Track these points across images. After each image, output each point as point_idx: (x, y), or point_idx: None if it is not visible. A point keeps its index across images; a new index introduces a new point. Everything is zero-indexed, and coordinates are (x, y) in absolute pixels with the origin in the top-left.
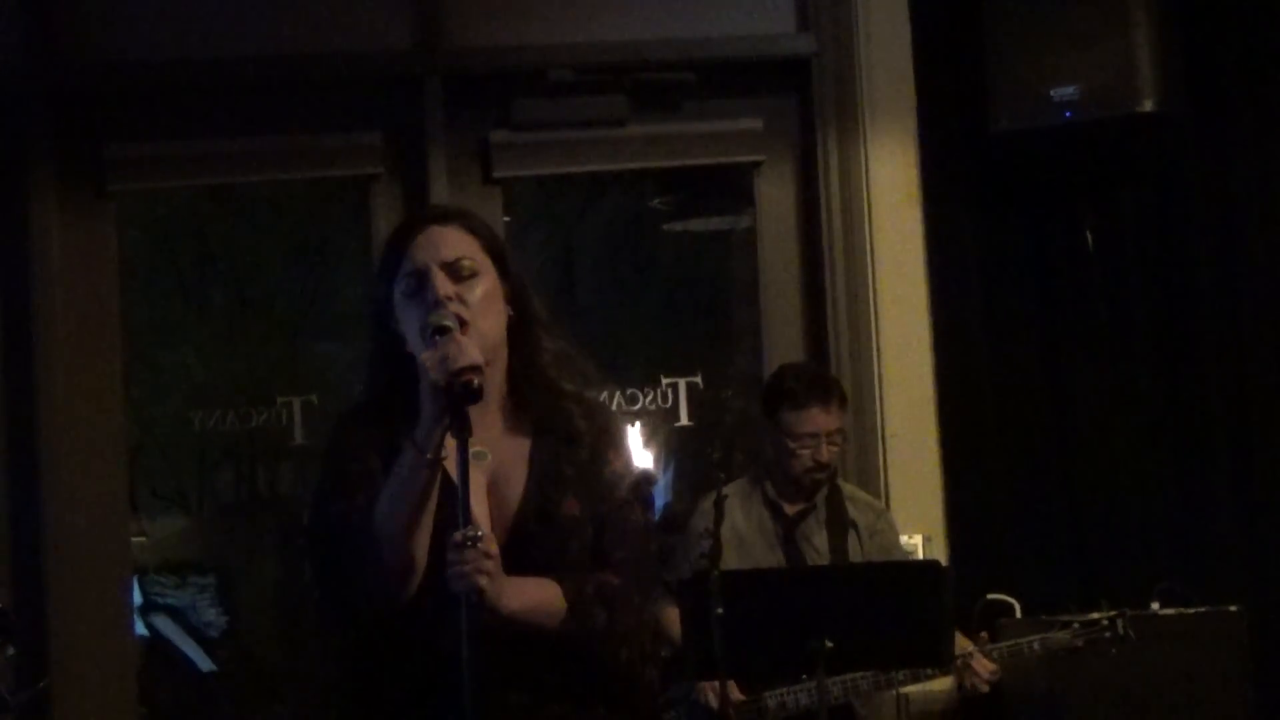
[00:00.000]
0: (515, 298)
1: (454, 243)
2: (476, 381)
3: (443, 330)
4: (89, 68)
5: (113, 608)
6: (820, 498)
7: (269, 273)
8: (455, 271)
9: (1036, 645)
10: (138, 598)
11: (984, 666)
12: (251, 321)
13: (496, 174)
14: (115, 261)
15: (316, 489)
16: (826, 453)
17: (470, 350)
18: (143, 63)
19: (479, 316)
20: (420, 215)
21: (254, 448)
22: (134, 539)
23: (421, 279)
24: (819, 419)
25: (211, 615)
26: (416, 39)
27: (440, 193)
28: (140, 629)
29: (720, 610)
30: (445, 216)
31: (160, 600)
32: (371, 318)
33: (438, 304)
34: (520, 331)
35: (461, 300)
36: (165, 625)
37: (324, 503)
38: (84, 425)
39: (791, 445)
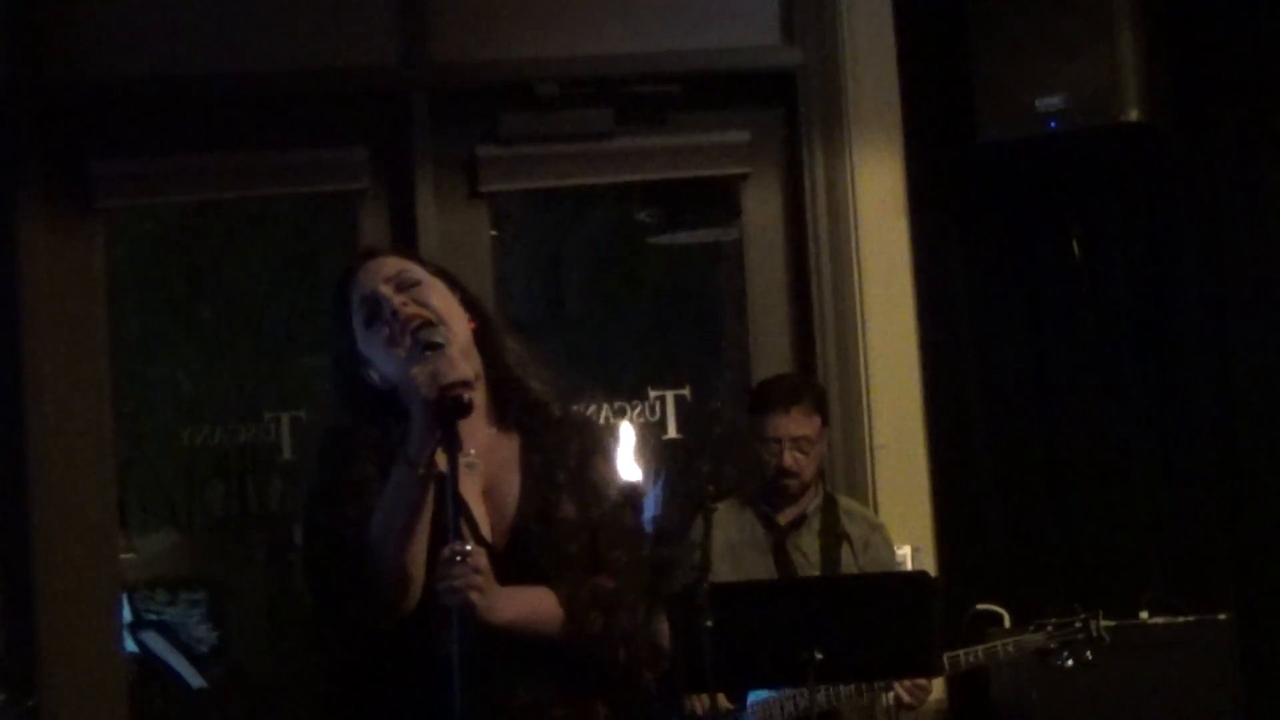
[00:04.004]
0: (472, 308)
1: (392, 264)
2: (467, 396)
3: (433, 346)
4: (76, 84)
5: (102, 624)
6: (814, 508)
7: (257, 288)
8: (400, 283)
9: (1011, 647)
10: (127, 614)
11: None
12: (239, 337)
13: (483, 188)
14: (103, 277)
15: (308, 502)
16: (790, 458)
17: (460, 365)
18: (129, 79)
19: (444, 317)
20: (353, 259)
21: (243, 463)
22: (123, 555)
23: (373, 302)
24: (781, 424)
25: (202, 631)
26: (402, 54)
27: (427, 208)
28: (130, 645)
29: (709, 622)
30: (376, 251)
31: (150, 616)
32: (338, 370)
33: (394, 314)
34: (486, 339)
35: (418, 303)
36: (155, 642)
37: (316, 516)
38: (73, 441)
39: (759, 451)
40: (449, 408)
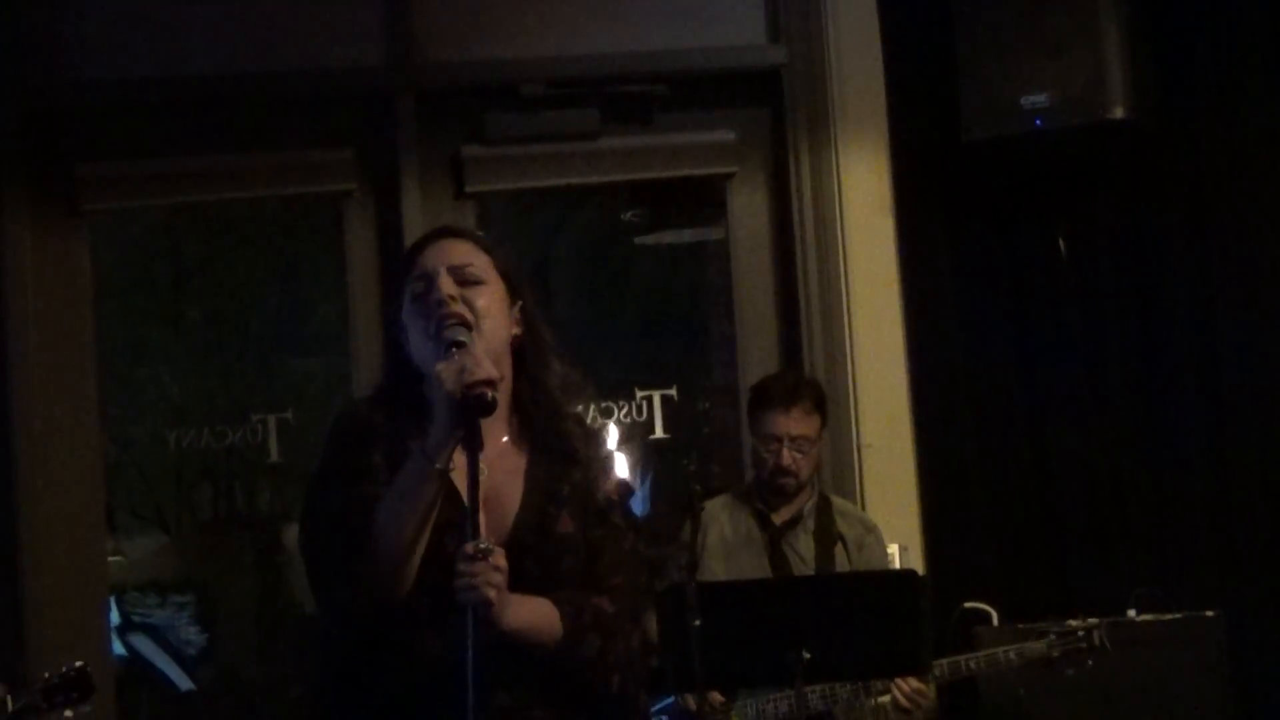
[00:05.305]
0: (525, 318)
1: (463, 252)
2: (490, 395)
3: (458, 344)
4: (60, 87)
5: (90, 628)
6: (809, 508)
7: (243, 290)
8: (461, 276)
9: (1013, 655)
10: (116, 617)
11: (900, 688)
12: (226, 339)
13: (469, 189)
14: (89, 281)
15: (312, 479)
16: (788, 457)
17: (486, 364)
18: (114, 81)
19: (484, 321)
20: (432, 231)
21: (230, 466)
22: (111, 558)
23: (428, 281)
24: (779, 422)
25: (190, 634)
26: (388, 55)
27: (413, 208)
28: (119, 649)
29: (697, 622)
30: (459, 232)
31: (139, 619)
32: (386, 329)
33: (440, 303)
34: (530, 352)
35: (466, 303)
36: (144, 644)
37: (320, 493)
38: (60, 445)
39: (757, 448)
40: (472, 405)
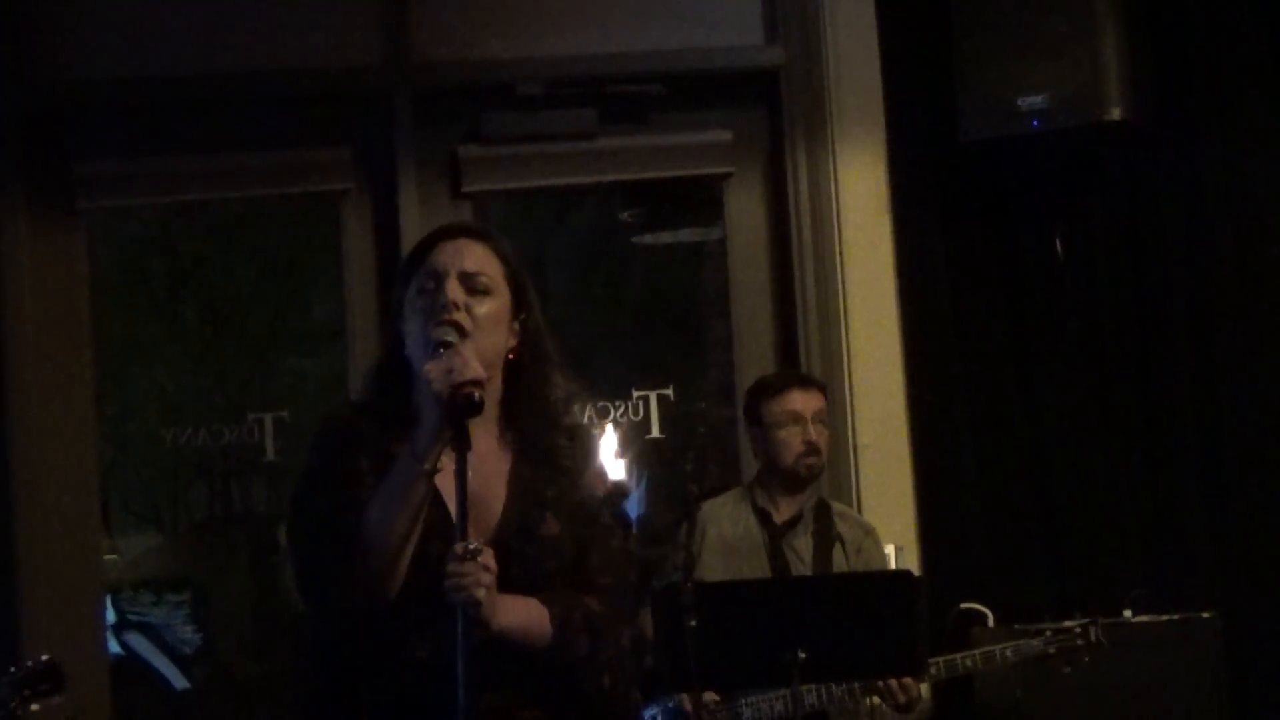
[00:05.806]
0: (527, 330)
1: (478, 257)
2: (478, 395)
3: (446, 345)
4: (57, 86)
5: (86, 626)
6: (809, 508)
7: (240, 289)
8: (470, 283)
9: (1009, 653)
10: (112, 616)
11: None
12: (223, 338)
13: (466, 188)
14: (86, 279)
15: (300, 482)
16: (815, 432)
17: (474, 364)
18: (111, 80)
19: (480, 331)
20: (453, 226)
21: (226, 464)
22: (107, 556)
23: (437, 281)
24: (800, 399)
25: (186, 632)
26: (385, 54)
27: (410, 208)
28: (114, 647)
29: (693, 623)
30: (477, 233)
31: (134, 618)
32: (389, 316)
33: (444, 308)
34: (530, 365)
35: (468, 311)
36: (139, 643)
37: (307, 496)
38: (56, 443)
39: (780, 434)
40: (459, 405)
